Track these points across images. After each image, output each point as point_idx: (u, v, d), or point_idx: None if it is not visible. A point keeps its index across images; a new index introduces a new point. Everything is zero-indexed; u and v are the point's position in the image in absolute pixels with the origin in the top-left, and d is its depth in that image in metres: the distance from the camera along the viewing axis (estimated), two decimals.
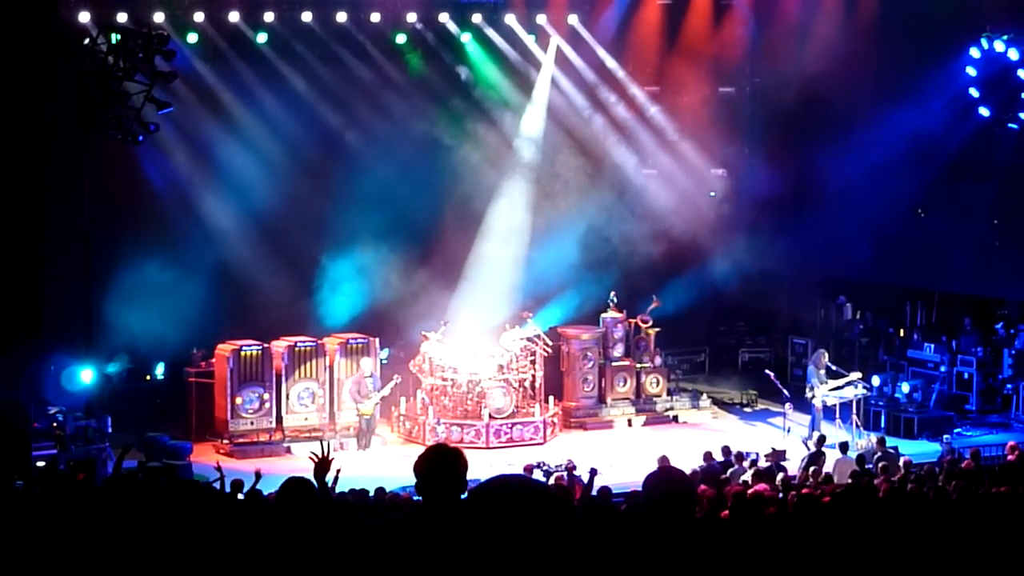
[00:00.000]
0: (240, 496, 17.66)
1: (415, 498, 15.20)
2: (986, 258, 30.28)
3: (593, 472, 20.00)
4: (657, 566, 6.43)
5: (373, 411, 26.68)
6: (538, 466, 22.02)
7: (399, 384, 27.17)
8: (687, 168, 32.50)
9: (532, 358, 27.98)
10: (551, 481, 20.04)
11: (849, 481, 18.78)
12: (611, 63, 31.86)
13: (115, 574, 8.26)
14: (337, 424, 27.19)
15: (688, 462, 21.20)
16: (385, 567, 6.01)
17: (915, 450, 24.85)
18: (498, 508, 4.07)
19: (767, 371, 28.56)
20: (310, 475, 9.11)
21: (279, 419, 26.87)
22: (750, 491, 15.96)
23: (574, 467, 21.22)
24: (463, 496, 6.68)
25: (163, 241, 27.89)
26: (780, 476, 19.85)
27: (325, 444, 8.97)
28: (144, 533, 8.14)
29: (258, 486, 18.29)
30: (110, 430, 24.80)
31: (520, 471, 21.63)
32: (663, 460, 20.05)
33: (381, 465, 24.82)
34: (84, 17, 26.46)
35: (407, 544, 5.92)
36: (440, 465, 6.53)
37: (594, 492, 18.48)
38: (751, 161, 32.82)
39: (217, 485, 18.57)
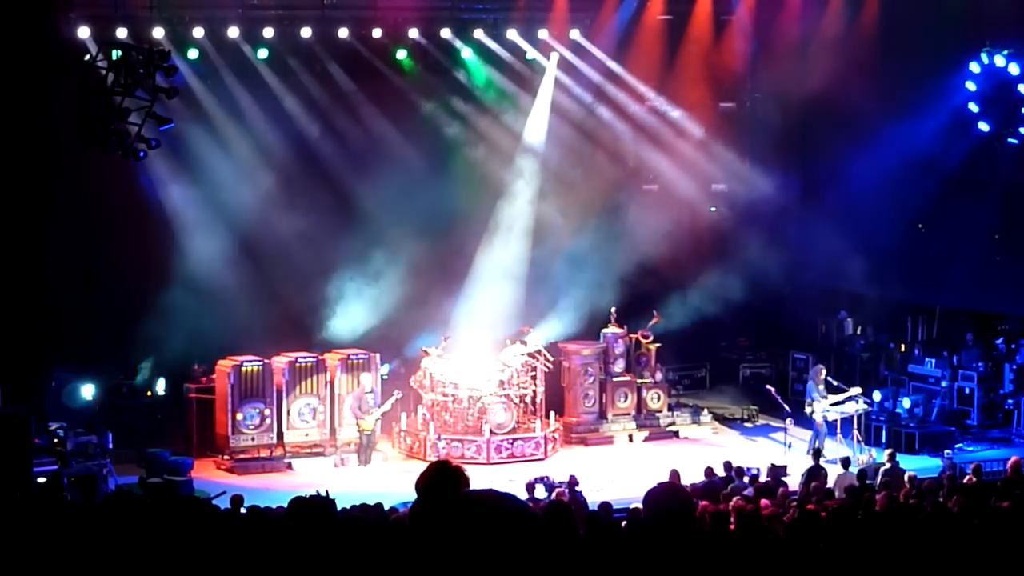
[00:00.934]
0: (242, 511, 17.63)
1: None
2: (987, 273, 30.25)
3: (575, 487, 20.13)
4: None
5: (374, 427, 26.66)
6: (541, 481, 22.02)
7: (400, 400, 27.17)
8: (688, 183, 32.51)
9: (533, 373, 27.97)
10: (552, 496, 20.03)
11: (843, 496, 18.79)
12: (612, 78, 31.87)
13: None
14: (338, 440, 27.16)
15: (689, 477, 21.20)
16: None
17: (916, 465, 24.82)
18: (475, 526, 4.07)
19: (768, 386, 28.54)
20: (311, 491, 9.10)
21: (280, 435, 26.84)
22: (751, 507, 15.95)
23: (576, 483, 21.22)
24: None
25: (163, 256, 27.92)
26: (781, 491, 19.83)
27: (324, 490, 8.98)
28: (145, 549, 8.14)
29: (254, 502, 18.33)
30: (111, 446, 24.78)
31: (521, 486, 21.68)
32: (674, 474, 20.04)
33: (382, 481, 24.82)
34: (84, 33, 26.53)
35: (408, 560, 5.91)
36: (442, 482, 6.52)
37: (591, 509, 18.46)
38: (752, 176, 32.81)
39: (217, 502, 18.55)
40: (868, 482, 20.80)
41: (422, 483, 6.61)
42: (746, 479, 21.30)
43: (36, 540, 11.27)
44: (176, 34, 27.73)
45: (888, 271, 30.97)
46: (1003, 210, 30.01)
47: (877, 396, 28.46)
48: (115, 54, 23.09)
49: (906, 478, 20.45)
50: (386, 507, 18.40)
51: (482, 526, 4.13)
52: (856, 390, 26.98)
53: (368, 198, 29.40)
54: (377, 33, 29.68)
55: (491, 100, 31.38)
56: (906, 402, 28.57)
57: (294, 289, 28.66)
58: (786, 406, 27.13)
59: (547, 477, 22.64)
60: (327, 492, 9.07)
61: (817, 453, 23.44)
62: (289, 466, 26.51)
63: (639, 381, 29.57)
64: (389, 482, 24.21)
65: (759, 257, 30.66)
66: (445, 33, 30.54)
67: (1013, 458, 21.39)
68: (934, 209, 30.40)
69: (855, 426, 26.51)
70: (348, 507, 18.01)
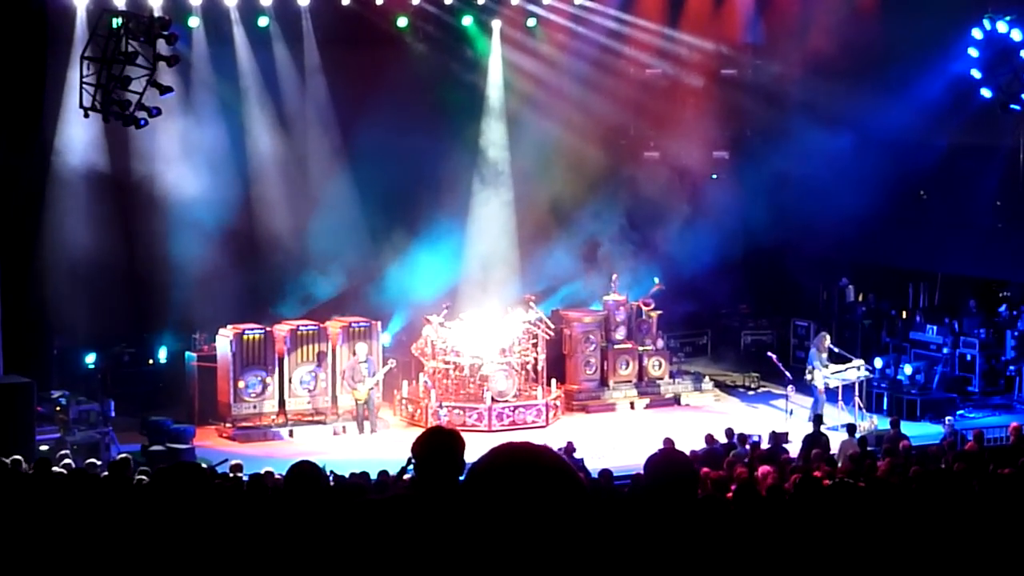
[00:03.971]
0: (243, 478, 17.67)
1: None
2: (988, 240, 30.25)
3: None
4: (659, 547, 6.43)
5: (368, 395, 26.61)
6: None
7: (394, 369, 27.16)
8: (689, 150, 32.45)
9: (534, 341, 27.97)
10: None
11: (846, 463, 18.81)
12: (614, 44, 31.78)
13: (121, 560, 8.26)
14: (339, 408, 27.18)
15: (690, 444, 21.24)
16: (386, 541, 6.00)
17: (918, 432, 24.86)
18: (504, 479, 4.07)
19: (769, 353, 28.53)
20: (313, 458, 9.10)
21: (281, 403, 26.86)
22: (752, 473, 15.98)
23: (573, 449, 21.25)
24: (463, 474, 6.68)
25: (165, 224, 27.94)
26: (782, 458, 19.85)
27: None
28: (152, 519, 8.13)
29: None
30: (113, 414, 24.83)
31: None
32: (668, 442, 20.07)
33: (383, 448, 24.84)
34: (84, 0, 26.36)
35: (409, 518, 5.91)
36: (438, 447, 6.53)
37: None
38: (753, 143, 32.76)
39: (220, 469, 18.58)
40: (870, 449, 20.84)
41: (419, 448, 6.61)
42: (748, 446, 21.33)
43: (38, 508, 11.29)
44: (176, 1, 27.58)
45: (890, 238, 30.95)
46: (1005, 177, 30.00)
47: (879, 363, 28.47)
48: (115, 22, 23.03)
49: (900, 447, 20.46)
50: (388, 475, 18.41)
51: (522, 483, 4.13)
52: (858, 362, 26.97)
53: (368, 165, 29.38)
54: (378, 0, 29.52)
55: (492, 66, 31.30)
56: (907, 369, 28.57)
57: (295, 256, 28.73)
58: (787, 373, 27.14)
59: (546, 446, 22.65)
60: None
61: (818, 419, 23.49)
62: (291, 434, 26.54)
63: (640, 348, 29.57)
64: (390, 450, 24.20)
65: (760, 224, 30.64)
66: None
67: (1013, 424, 21.44)
68: (936, 176, 30.37)
69: (856, 393, 26.52)
70: (347, 475, 18.08)
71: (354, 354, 26.94)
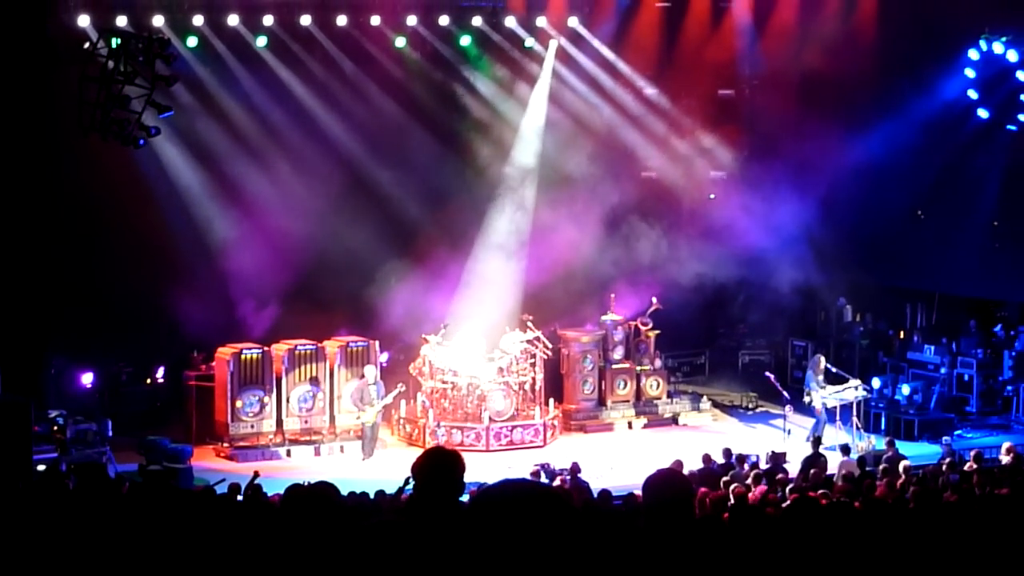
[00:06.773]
0: (239, 498, 17.68)
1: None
2: (985, 260, 30.29)
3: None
4: (656, 567, 6.44)
5: (376, 419, 26.61)
6: (542, 468, 22.03)
7: (405, 391, 27.14)
8: (686, 171, 32.50)
9: (532, 360, 27.96)
10: (555, 483, 20.04)
11: (842, 483, 18.80)
12: (610, 66, 31.86)
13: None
14: (337, 427, 27.16)
15: (688, 464, 21.21)
16: (381, 567, 6.01)
17: (915, 452, 24.86)
18: (502, 509, 4.09)
19: (767, 373, 28.55)
20: (310, 479, 9.10)
21: (279, 422, 26.84)
22: (750, 494, 15.98)
23: (579, 469, 21.22)
24: (462, 498, 6.68)
25: (163, 243, 27.94)
26: (780, 478, 19.84)
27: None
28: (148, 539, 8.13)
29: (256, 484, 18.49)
30: (110, 433, 24.80)
31: (524, 474, 21.67)
32: (677, 464, 20.03)
33: (381, 468, 24.82)
34: (84, 21, 26.45)
35: (404, 545, 5.92)
36: (438, 468, 6.53)
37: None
38: (750, 163, 32.80)
39: (218, 489, 18.57)
40: (868, 469, 20.83)
41: (418, 469, 6.62)
42: (746, 466, 21.31)
43: (37, 528, 11.27)
44: (176, 21, 27.67)
45: (888, 258, 30.98)
46: (1002, 197, 30.04)
47: (876, 383, 28.47)
48: (115, 42, 23.06)
49: (901, 467, 20.45)
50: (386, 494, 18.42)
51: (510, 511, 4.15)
52: (855, 382, 26.98)
53: (368, 182, 29.44)
54: (375, 20, 29.62)
55: (489, 88, 31.36)
56: (905, 389, 28.57)
57: (290, 277, 28.72)
58: (785, 393, 27.14)
59: (547, 464, 22.65)
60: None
61: (817, 441, 23.49)
62: (288, 454, 26.52)
63: (638, 368, 29.57)
64: (388, 470, 24.18)
65: (757, 244, 30.66)
66: (443, 21, 30.48)
67: (1006, 444, 21.45)
68: (933, 196, 30.42)
69: (854, 413, 26.53)
70: (346, 494, 18.07)
71: (362, 376, 26.87)
